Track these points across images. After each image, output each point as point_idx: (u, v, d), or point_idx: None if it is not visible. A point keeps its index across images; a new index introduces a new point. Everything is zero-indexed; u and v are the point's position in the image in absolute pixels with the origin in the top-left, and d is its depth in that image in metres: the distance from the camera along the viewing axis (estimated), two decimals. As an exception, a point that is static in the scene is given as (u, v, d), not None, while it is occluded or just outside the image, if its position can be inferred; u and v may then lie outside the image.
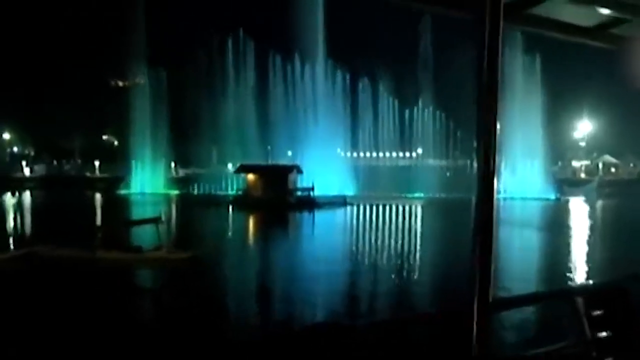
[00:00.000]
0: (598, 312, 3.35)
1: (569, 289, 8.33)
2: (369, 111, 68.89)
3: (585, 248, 26.29)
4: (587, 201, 55.30)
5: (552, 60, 60.86)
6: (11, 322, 12.45)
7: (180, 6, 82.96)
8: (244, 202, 46.95)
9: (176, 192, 61.25)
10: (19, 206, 49.08)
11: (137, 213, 38.32)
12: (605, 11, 3.10)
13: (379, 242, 28.85)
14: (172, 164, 71.64)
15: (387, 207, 46.01)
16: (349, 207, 47.02)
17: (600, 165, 78.61)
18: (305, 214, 42.75)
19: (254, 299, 16.18)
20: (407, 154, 72.88)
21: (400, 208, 45.96)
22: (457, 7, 2.68)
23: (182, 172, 71.94)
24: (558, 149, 73.50)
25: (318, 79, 63.80)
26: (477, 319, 2.19)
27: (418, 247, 26.75)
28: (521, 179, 59.04)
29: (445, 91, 65.16)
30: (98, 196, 57.51)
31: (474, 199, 2.14)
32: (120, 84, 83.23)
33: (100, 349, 10.96)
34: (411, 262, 22.19)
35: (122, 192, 60.97)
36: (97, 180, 71.94)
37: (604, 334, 3.33)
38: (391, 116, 69.89)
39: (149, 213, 30.34)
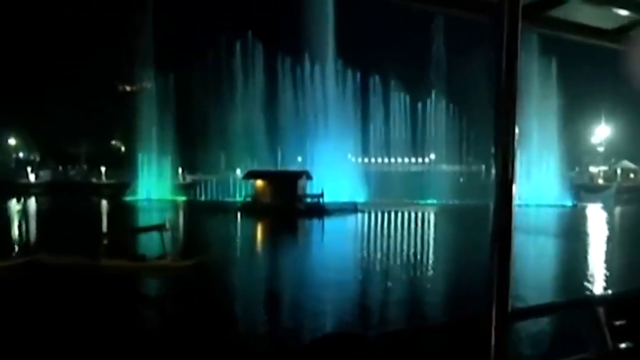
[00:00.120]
0: (620, 322, 3.35)
1: (589, 298, 8.40)
2: (380, 115, 67.62)
3: (604, 256, 25.47)
4: (605, 208, 54.25)
5: (569, 64, 59.76)
6: (12, 330, 12.36)
7: (187, 10, 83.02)
8: (253, 209, 46.52)
9: (183, 198, 60.26)
10: (24, 212, 48.82)
11: (143, 220, 38.08)
12: (624, 13, 3.07)
13: (391, 250, 28.21)
14: (180, 170, 71.08)
15: (399, 214, 45.26)
16: (359, 214, 46.35)
17: (619, 171, 77.43)
18: (315, 221, 42.09)
19: (260, 307, 15.88)
20: (420, 159, 71.59)
21: (413, 215, 45.17)
22: (475, 10, 2.66)
23: (189, 178, 71.06)
24: (575, 154, 72.31)
25: (328, 83, 62.80)
26: (495, 329, 2.07)
27: (431, 256, 26.19)
28: (537, 185, 57.56)
29: (458, 95, 64.26)
30: (104, 202, 57.18)
31: (491, 206, 2.08)
32: (127, 88, 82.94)
33: (102, 356, 11.05)
34: (424, 271, 21.71)
35: (129, 198, 60.34)
36: (103, 186, 71.64)
37: (626, 344, 3.34)
38: (403, 120, 68.66)
39: (155, 220, 30.02)
